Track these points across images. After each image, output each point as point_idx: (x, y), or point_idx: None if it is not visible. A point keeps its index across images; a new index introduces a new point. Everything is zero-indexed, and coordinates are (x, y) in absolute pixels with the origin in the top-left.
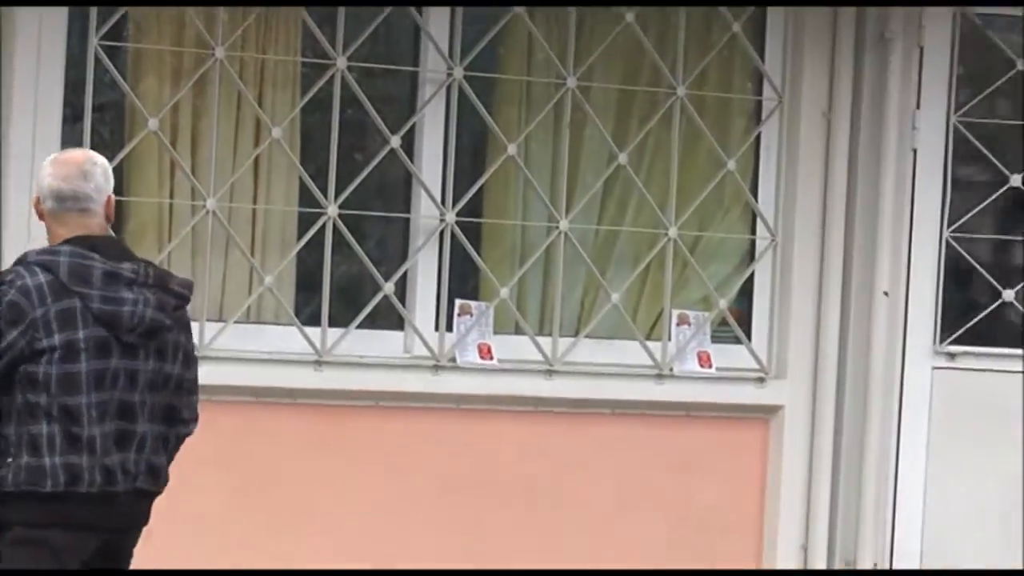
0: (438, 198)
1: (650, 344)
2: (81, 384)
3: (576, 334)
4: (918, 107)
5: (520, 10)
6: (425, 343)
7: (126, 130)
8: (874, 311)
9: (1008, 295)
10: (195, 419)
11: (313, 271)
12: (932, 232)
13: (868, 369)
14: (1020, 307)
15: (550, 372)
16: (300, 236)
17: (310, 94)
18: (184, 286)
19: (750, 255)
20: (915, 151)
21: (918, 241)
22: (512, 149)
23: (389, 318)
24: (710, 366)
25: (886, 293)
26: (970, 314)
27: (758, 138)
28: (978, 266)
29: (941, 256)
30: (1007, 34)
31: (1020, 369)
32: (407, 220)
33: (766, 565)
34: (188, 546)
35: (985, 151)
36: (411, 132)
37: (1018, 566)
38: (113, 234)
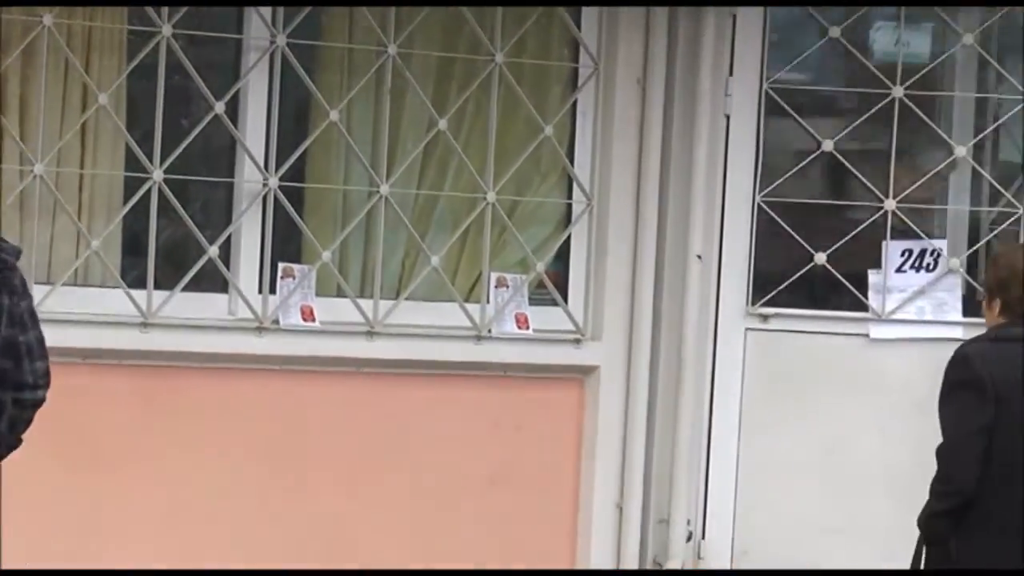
0: (262, 163)
1: (469, 306)
2: None
3: (397, 296)
4: (731, 74)
5: None
6: (249, 305)
7: None
8: (688, 274)
9: (820, 258)
10: (41, 384)
11: (139, 235)
12: (745, 197)
13: (682, 330)
14: (831, 269)
15: (371, 334)
16: (126, 200)
17: (136, 61)
18: (8, 252)
19: (567, 219)
20: (728, 117)
21: (731, 205)
22: (334, 115)
23: (214, 281)
24: (527, 327)
25: (699, 256)
26: (782, 277)
27: (575, 105)
28: (790, 230)
29: (754, 220)
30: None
31: (830, 330)
32: (231, 185)
33: (581, 522)
34: (13, 506)
35: (797, 117)
36: (235, 98)
37: (827, 522)
38: None
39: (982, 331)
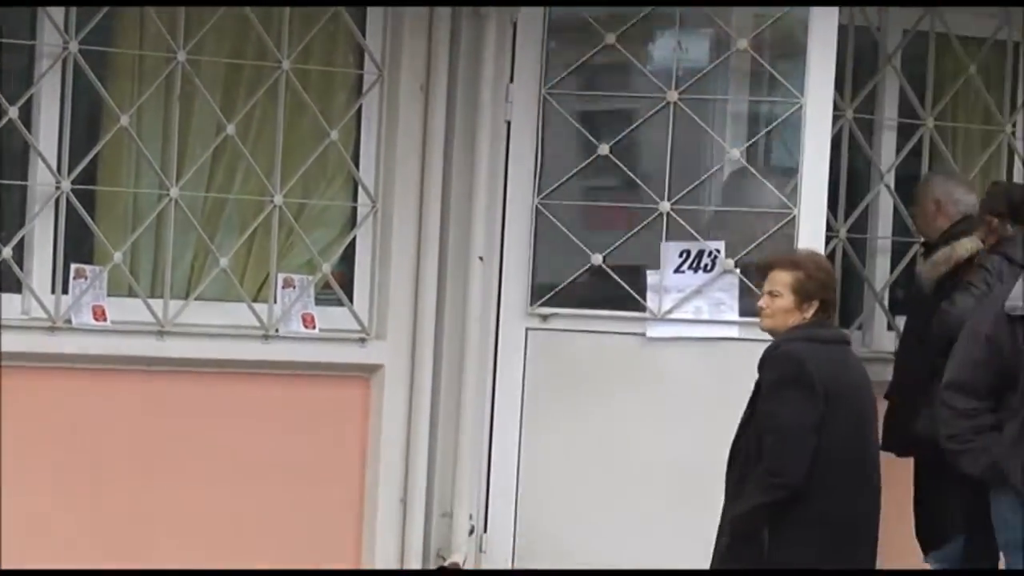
0: (55, 166)
1: (257, 306)
2: None
3: (187, 297)
4: (512, 81)
5: None
6: (42, 305)
7: None
8: (470, 275)
9: (596, 259)
10: None
11: None
12: (525, 200)
13: (464, 330)
14: (608, 270)
15: (162, 333)
16: None
17: None
18: None
19: (352, 222)
20: (509, 123)
21: (512, 209)
22: (125, 120)
23: (8, 281)
24: (314, 327)
25: (481, 258)
26: (563, 278)
27: (360, 110)
28: (567, 231)
29: (533, 223)
30: (597, 10)
31: (609, 329)
32: (25, 188)
33: (366, 516)
34: None
35: (575, 123)
36: (29, 103)
37: (607, 517)
38: None
39: (756, 331)
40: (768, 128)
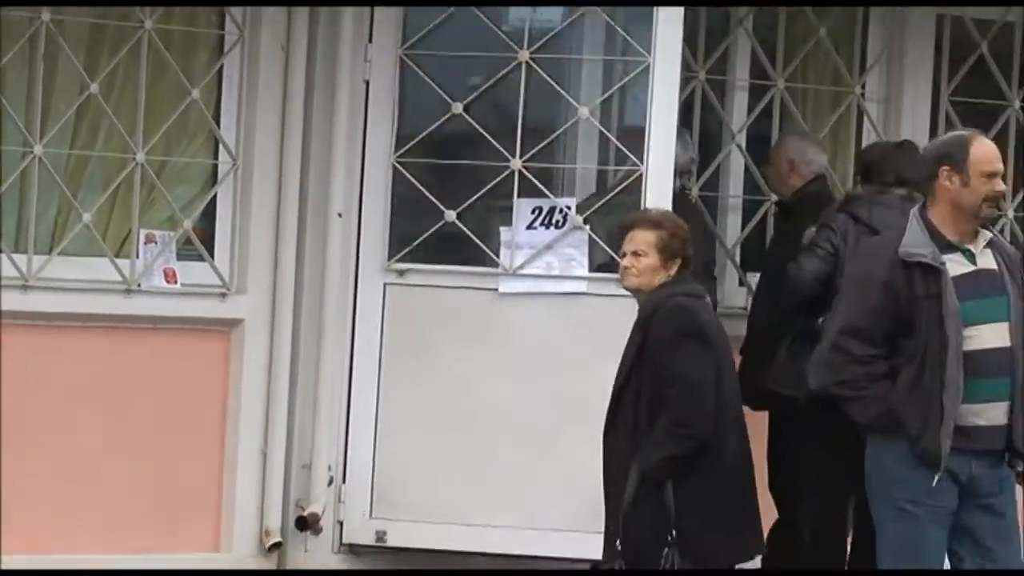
0: None
1: (119, 261)
2: None
3: (50, 252)
4: (371, 41)
5: None
6: None
7: None
8: (329, 231)
9: (450, 215)
10: None
11: None
12: (383, 158)
13: (324, 285)
14: (461, 226)
15: (25, 287)
16: None
17: None
18: None
19: (213, 179)
20: (367, 82)
21: (370, 166)
22: None
23: None
24: (175, 282)
25: (340, 215)
26: (420, 234)
27: (222, 69)
28: (423, 188)
29: (390, 180)
30: None
31: (463, 284)
32: None
33: (227, 468)
34: None
35: (431, 82)
36: None
37: (460, 467)
38: None
39: (608, 287)
40: (616, 87)
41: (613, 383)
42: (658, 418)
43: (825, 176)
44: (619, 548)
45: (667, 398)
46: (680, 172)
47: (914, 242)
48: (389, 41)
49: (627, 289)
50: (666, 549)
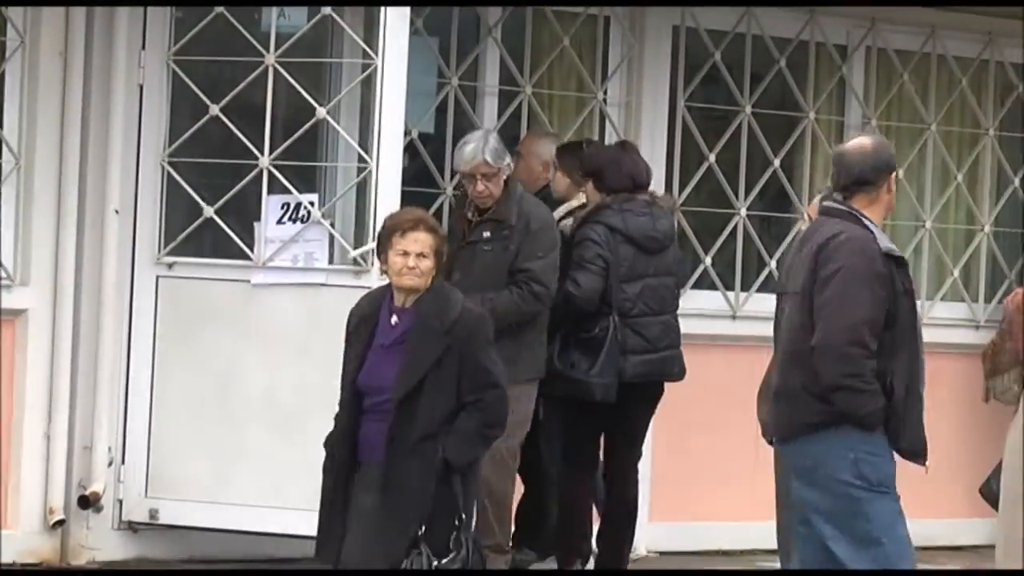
0: None
1: None
2: None
3: None
4: (144, 48)
5: None
6: None
7: None
8: (107, 226)
9: (208, 211)
10: None
11: None
12: (156, 157)
13: (102, 277)
14: (219, 222)
15: None
16: None
17: None
18: None
19: None
20: (141, 86)
21: (144, 165)
22: None
23: None
24: None
25: (116, 211)
26: (185, 229)
27: (4, 75)
28: (187, 186)
29: (163, 178)
30: None
31: (222, 276)
32: None
33: (12, 450)
34: None
35: (193, 87)
36: None
37: (224, 448)
38: None
39: (346, 277)
40: (346, 90)
41: (401, 386)
42: (457, 416)
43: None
44: (421, 534)
45: (481, 400)
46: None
47: (883, 239)
48: (159, 47)
49: (402, 288)
50: (454, 532)
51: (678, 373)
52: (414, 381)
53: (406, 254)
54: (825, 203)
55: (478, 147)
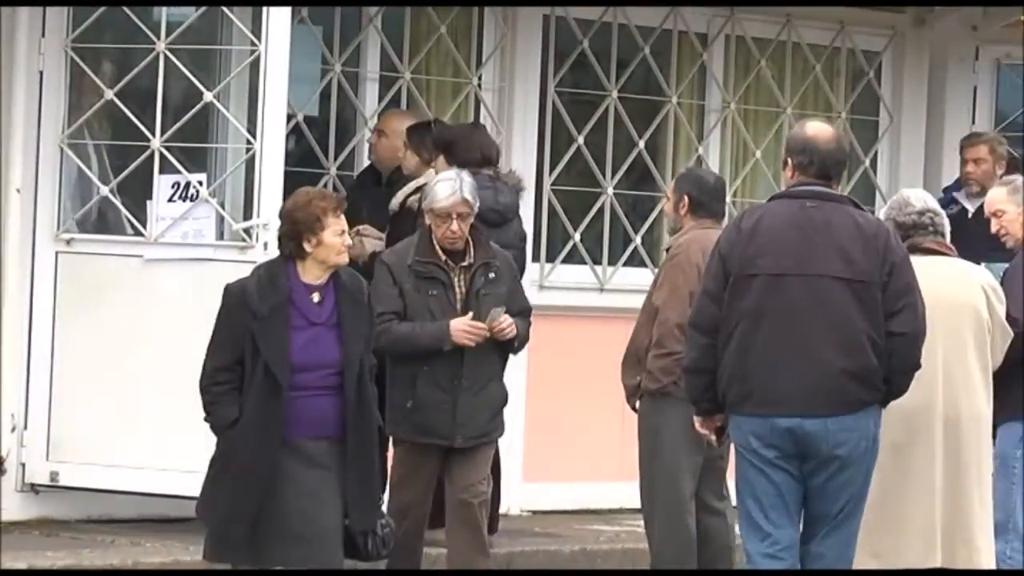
0: None
1: None
2: None
3: None
4: (43, 35)
5: None
6: None
7: None
8: (9, 205)
9: (103, 190)
10: None
11: None
12: (55, 140)
13: (3, 253)
14: (114, 200)
15: None
16: None
17: None
18: None
19: None
20: (41, 73)
21: (44, 147)
22: None
23: None
24: None
25: (18, 190)
26: (83, 207)
27: None
28: (84, 167)
29: (62, 159)
30: None
31: (119, 252)
32: None
33: None
34: None
35: (88, 71)
36: None
37: (121, 416)
38: None
39: (232, 253)
40: (234, 74)
41: (354, 359)
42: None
43: None
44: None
45: (373, 367)
46: None
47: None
48: (58, 34)
49: (333, 265)
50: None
51: None
52: (359, 353)
53: (342, 232)
54: (813, 187)
55: (456, 185)
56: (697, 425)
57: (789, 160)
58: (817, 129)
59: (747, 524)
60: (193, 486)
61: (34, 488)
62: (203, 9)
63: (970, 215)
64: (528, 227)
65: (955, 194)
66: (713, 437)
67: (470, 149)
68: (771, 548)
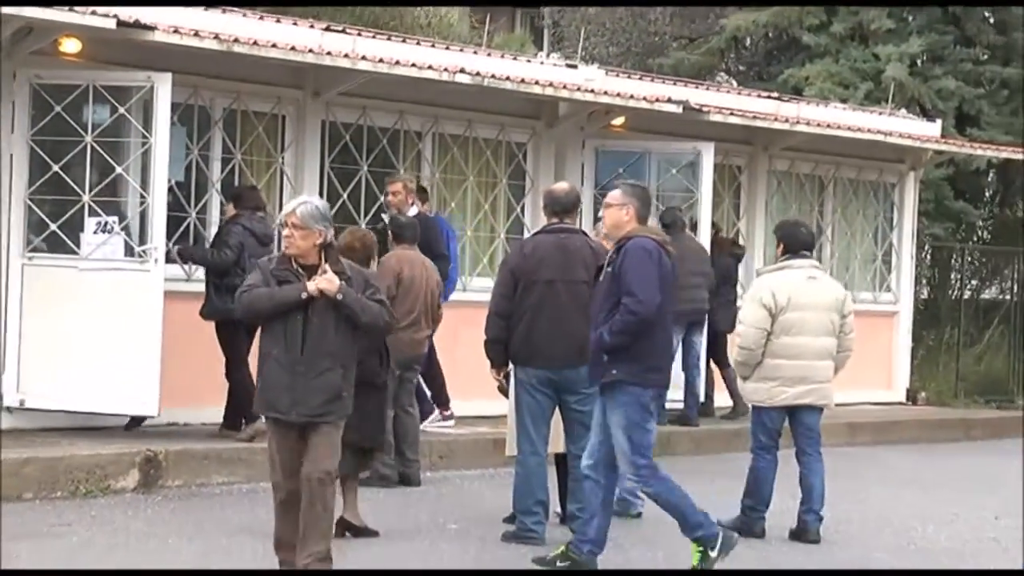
0: None
1: None
2: None
3: None
4: (12, 131)
5: None
6: None
7: None
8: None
9: (52, 227)
10: None
11: None
12: (22, 195)
13: None
14: (57, 230)
15: None
16: None
17: None
18: None
19: None
20: (12, 155)
21: (15, 200)
22: None
23: None
24: None
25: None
26: (40, 235)
27: None
28: (40, 212)
29: (26, 209)
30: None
31: (64, 264)
32: None
33: None
34: None
35: (43, 155)
36: None
37: (83, 371)
38: None
39: (134, 264)
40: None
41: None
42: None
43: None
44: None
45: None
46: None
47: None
48: (23, 130)
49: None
50: None
51: None
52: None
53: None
54: (562, 224)
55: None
56: (492, 374)
57: (544, 209)
58: (557, 187)
59: (522, 431)
60: (110, 407)
61: (9, 409)
62: (117, 115)
63: None
64: None
65: None
66: (503, 379)
67: (250, 200)
68: (533, 447)
